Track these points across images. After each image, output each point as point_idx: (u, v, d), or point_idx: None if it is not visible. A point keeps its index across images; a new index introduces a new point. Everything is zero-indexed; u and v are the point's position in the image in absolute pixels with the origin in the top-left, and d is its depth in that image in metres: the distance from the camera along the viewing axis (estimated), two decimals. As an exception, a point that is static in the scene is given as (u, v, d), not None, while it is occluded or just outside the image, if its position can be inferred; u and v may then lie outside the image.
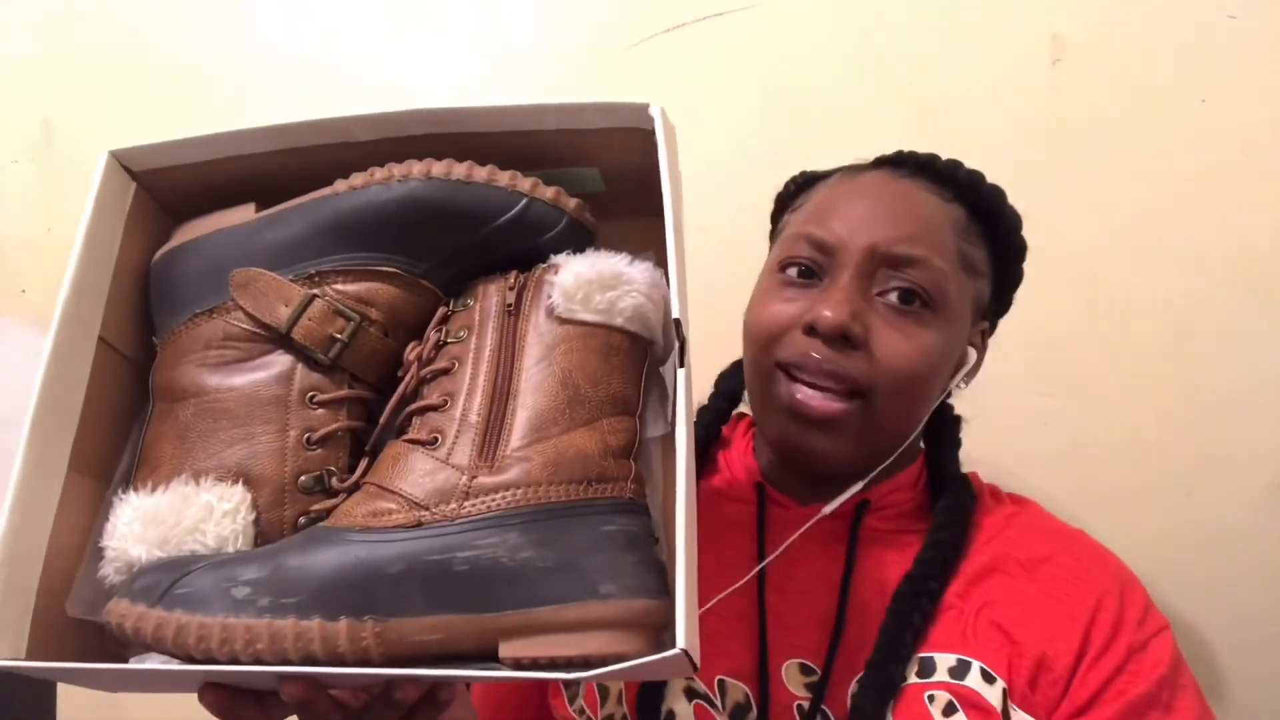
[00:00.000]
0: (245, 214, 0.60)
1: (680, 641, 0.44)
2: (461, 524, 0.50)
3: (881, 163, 0.77)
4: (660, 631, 0.51)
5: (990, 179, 0.74)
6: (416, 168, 0.57)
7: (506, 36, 1.19)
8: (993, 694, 0.63)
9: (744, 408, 0.86)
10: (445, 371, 0.56)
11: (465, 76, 1.20)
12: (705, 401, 0.86)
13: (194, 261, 0.59)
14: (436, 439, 0.53)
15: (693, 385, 0.52)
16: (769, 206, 0.84)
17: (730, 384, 0.85)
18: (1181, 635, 0.69)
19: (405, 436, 0.54)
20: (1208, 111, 1.03)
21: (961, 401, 0.77)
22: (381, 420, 0.57)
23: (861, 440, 0.69)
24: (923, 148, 0.76)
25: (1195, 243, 1.02)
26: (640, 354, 0.58)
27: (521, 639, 0.49)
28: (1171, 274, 1.02)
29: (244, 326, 0.56)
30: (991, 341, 0.74)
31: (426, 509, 0.51)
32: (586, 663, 0.49)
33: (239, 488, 0.53)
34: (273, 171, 0.60)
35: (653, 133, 0.58)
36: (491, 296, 0.58)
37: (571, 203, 0.59)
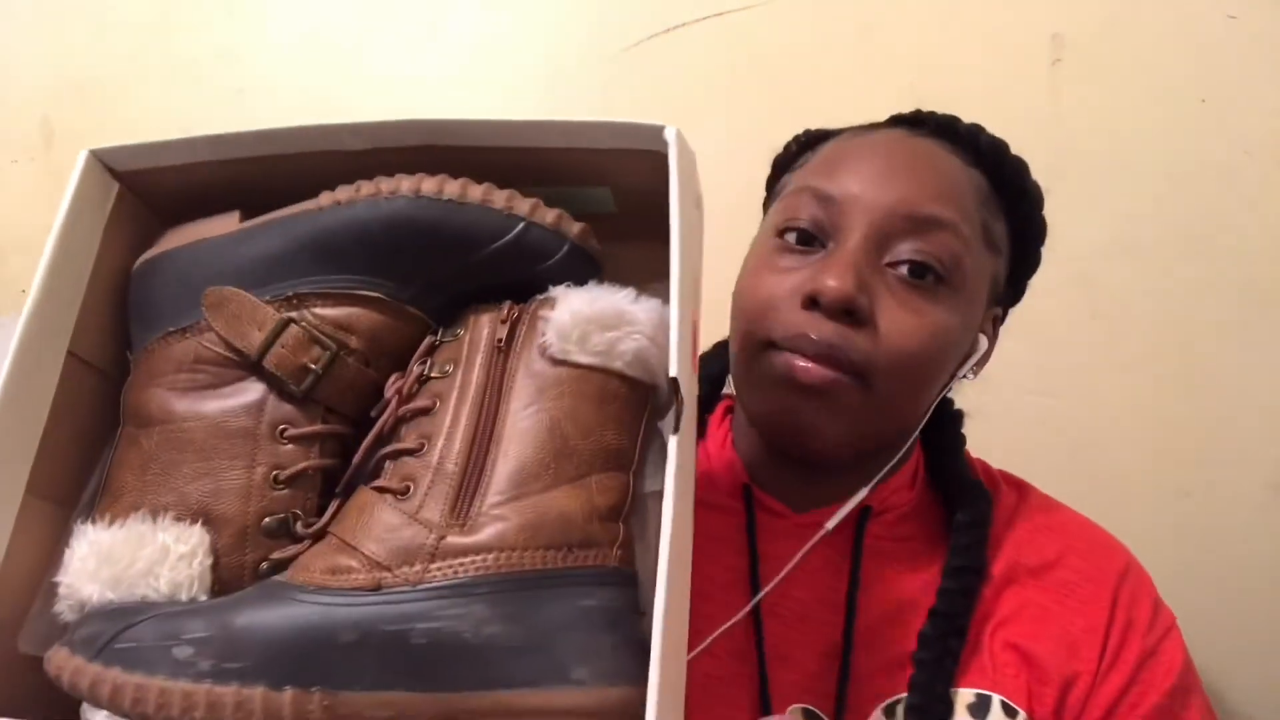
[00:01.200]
0: (229, 223, 0.56)
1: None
2: (424, 590, 0.45)
3: (898, 121, 0.70)
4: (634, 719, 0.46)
5: None
6: (405, 184, 0.52)
7: (506, 36, 1.18)
8: None
9: (726, 389, 0.79)
10: (425, 411, 0.51)
11: (464, 77, 1.18)
12: None
13: (170, 273, 0.55)
14: (408, 488, 0.49)
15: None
16: None
17: (714, 367, 0.76)
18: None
19: (375, 483, 0.50)
20: (1208, 111, 1.04)
21: (960, 400, 0.72)
22: (355, 460, 0.52)
23: (858, 422, 0.61)
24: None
25: (1195, 243, 1.03)
26: (640, 402, 0.52)
27: (480, 724, 0.44)
28: (1171, 274, 1.03)
29: (216, 349, 0.52)
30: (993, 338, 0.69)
31: (388, 570, 0.46)
32: (552, 755, 0.44)
33: (198, 528, 0.49)
34: (260, 178, 0.56)
35: (666, 155, 0.52)
36: (483, 328, 0.53)
37: (575, 228, 0.53)
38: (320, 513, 0.52)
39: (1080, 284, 1.04)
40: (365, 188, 0.52)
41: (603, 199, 0.57)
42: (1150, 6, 1.06)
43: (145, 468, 0.51)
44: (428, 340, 0.54)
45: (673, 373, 0.45)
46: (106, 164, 0.57)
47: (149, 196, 0.59)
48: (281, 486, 0.51)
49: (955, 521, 0.65)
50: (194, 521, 0.50)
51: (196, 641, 0.44)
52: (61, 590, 0.50)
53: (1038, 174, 0.68)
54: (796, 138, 0.75)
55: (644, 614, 0.49)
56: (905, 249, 0.61)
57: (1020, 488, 0.71)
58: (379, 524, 0.48)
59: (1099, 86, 1.07)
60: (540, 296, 0.53)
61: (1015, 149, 0.67)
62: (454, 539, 0.46)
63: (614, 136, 0.52)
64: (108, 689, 0.44)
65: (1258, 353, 1.00)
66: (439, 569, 0.46)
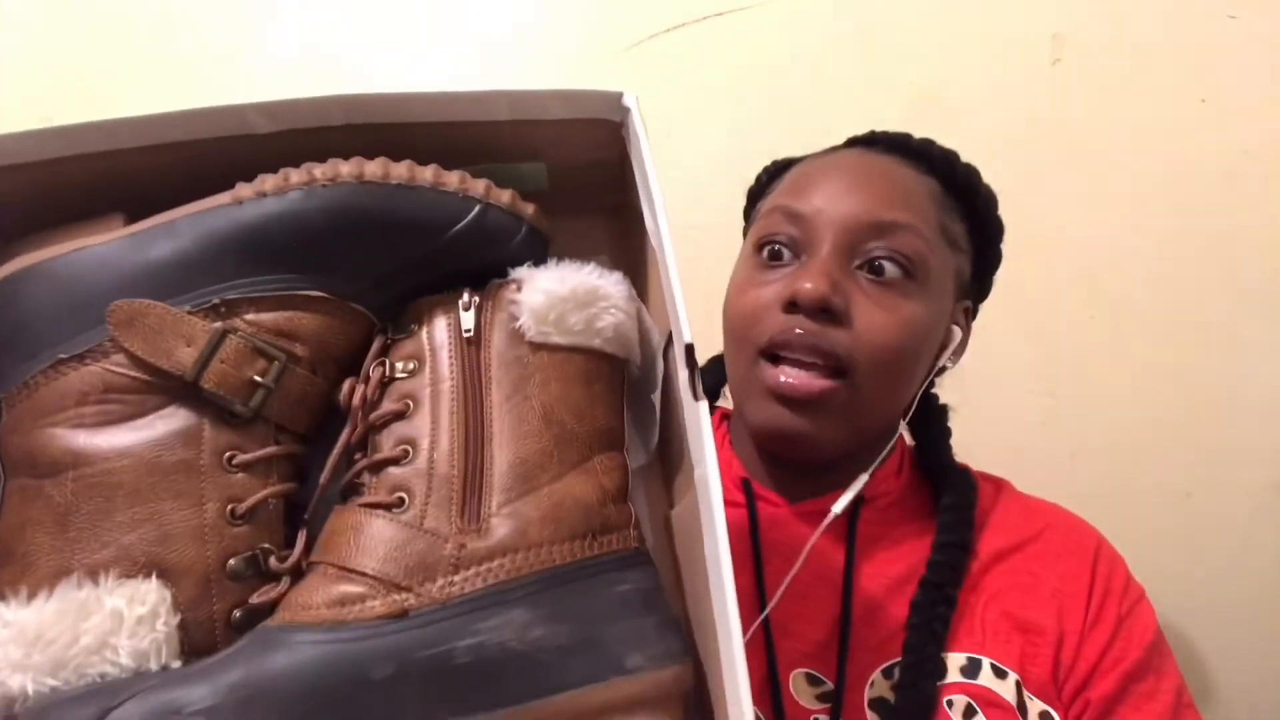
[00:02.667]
0: (110, 227, 0.47)
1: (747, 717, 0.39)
2: (456, 605, 0.42)
3: (854, 142, 0.75)
4: (686, 696, 0.45)
5: (991, 179, 0.73)
6: (345, 169, 0.46)
7: (506, 40, 1.14)
8: (1006, 689, 0.63)
9: (721, 402, 0.82)
10: (399, 415, 0.47)
11: (463, 77, 1.15)
12: None
13: (48, 290, 0.45)
14: (402, 499, 0.45)
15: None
16: None
17: (708, 380, 0.80)
18: (1181, 635, 0.72)
19: (361, 500, 0.45)
20: (1208, 111, 1.05)
21: (961, 401, 0.76)
22: (322, 480, 0.47)
23: (848, 421, 0.66)
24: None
25: (1195, 243, 1.03)
26: (619, 377, 0.51)
27: (540, 735, 0.42)
28: (1171, 274, 1.04)
29: (130, 374, 0.44)
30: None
31: (409, 591, 0.42)
32: (616, 749, 0.42)
33: (153, 583, 0.42)
34: (142, 173, 0.48)
35: (618, 124, 0.50)
36: (440, 319, 0.49)
37: (529, 208, 0.50)
38: (289, 544, 0.46)
39: (1080, 284, 1.05)
40: (295, 175, 0.46)
41: (536, 175, 0.55)
42: (1150, 6, 1.06)
43: (63, 524, 0.43)
44: (379, 340, 0.49)
45: (688, 339, 0.44)
46: None
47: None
48: (240, 522, 0.45)
49: (942, 503, 0.71)
50: (146, 576, 0.42)
51: (205, 712, 0.38)
52: (-27, 691, 0.40)
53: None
54: (766, 169, 0.80)
55: (665, 590, 0.48)
56: (872, 252, 0.66)
57: (997, 483, 0.77)
58: (382, 542, 0.43)
59: (1099, 86, 1.07)
60: (500, 280, 0.50)
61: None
62: (475, 544, 0.43)
63: (567, 106, 0.49)
64: (103, 789, 0.37)
65: (1258, 353, 1.01)
66: (466, 579, 0.43)
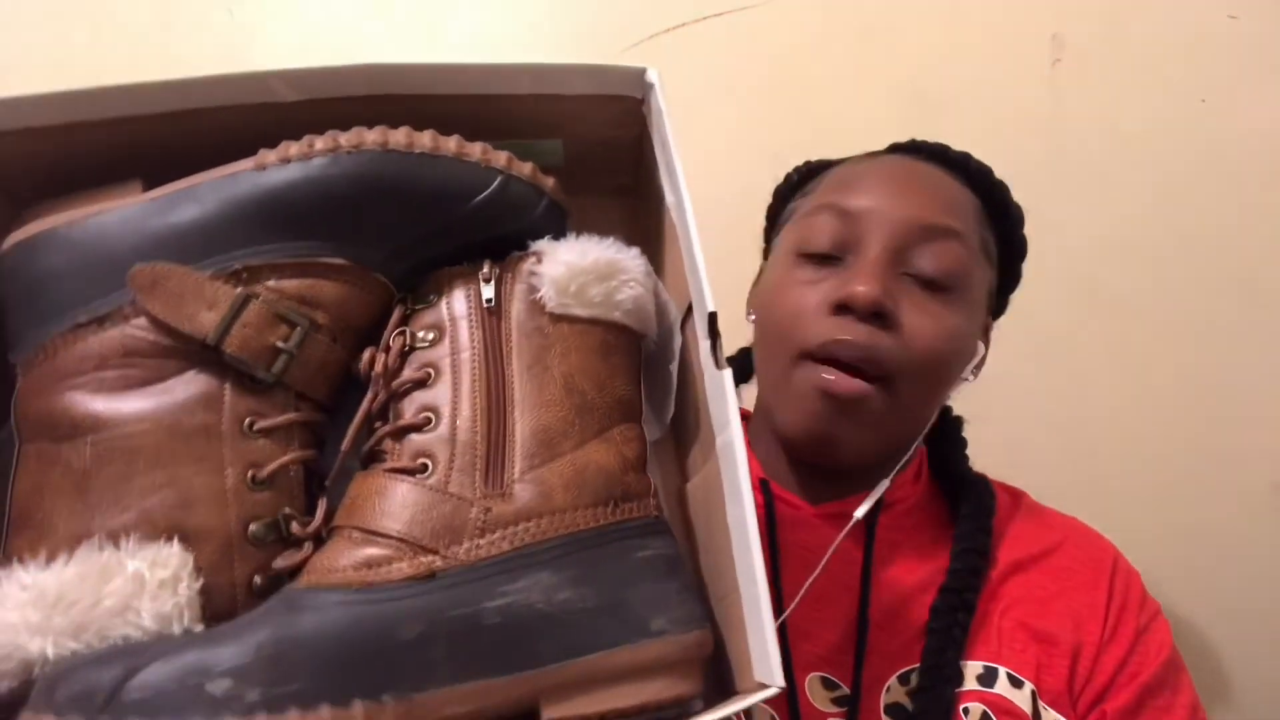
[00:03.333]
0: (129, 193, 0.47)
1: (776, 678, 0.39)
2: (484, 567, 0.42)
3: (896, 149, 0.74)
4: (706, 662, 0.45)
5: None
6: (370, 137, 0.47)
7: (505, 38, 1.13)
8: (1022, 698, 0.63)
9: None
10: (420, 383, 0.47)
11: None
12: None
13: (68, 253, 0.45)
14: (425, 465, 0.44)
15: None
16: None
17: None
18: (1182, 635, 0.72)
19: (385, 466, 0.45)
20: (1208, 111, 1.05)
21: (962, 401, 0.75)
22: (343, 447, 0.47)
23: (884, 427, 0.65)
24: (923, 149, 0.75)
25: (1195, 243, 1.03)
26: (636, 350, 0.51)
27: (568, 696, 0.41)
28: (1171, 274, 1.03)
29: (150, 338, 0.44)
30: (991, 341, 0.73)
31: (436, 553, 0.42)
32: (641, 712, 0.42)
33: (175, 547, 0.41)
34: (164, 141, 0.48)
35: (639, 101, 0.51)
36: (459, 290, 0.49)
37: (549, 181, 0.51)
38: (310, 511, 0.46)
39: (1080, 284, 1.04)
40: (319, 142, 0.46)
41: (552, 152, 0.55)
42: (1150, 6, 1.06)
43: (82, 488, 0.42)
44: (399, 310, 0.49)
45: (710, 308, 0.45)
46: None
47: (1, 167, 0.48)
48: (261, 487, 0.44)
49: (961, 511, 0.71)
50: (168, 540, 0.42)
51: (233, 673, 0.38)
52: (-9, 654, 0.39)
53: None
54: (797, 168, 0.77)
55: (684, 559, 0.48)
56: (921, 258, 0.65)
57: (1014, 494, 0.77)
58: (407, 506, 0.43)
59: (1099, 86, 1.06)
60: (520, 253, 0.50)
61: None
62: (500, 508, 0.43)
63: (590, 80, 0.50)
64: (129, 748, 0.36)
65: (1258, 353, 1.00)
66: (491, 542, 0.42)
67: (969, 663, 0.64)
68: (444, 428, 0.45)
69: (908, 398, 0.65)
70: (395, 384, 0.47)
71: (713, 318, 0.45)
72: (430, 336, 0.48)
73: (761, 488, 0.72)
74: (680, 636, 0.43)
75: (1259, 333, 1.02)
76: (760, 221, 0.81)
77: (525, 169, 0.49)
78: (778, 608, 0.67)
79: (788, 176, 0.78)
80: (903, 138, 0.75)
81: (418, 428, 0.45)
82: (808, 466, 0.72)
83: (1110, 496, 0.94)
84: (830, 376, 0.63)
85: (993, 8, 1.10)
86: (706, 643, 0.45)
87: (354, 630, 0.39)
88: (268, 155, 0.46)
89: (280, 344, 0.45)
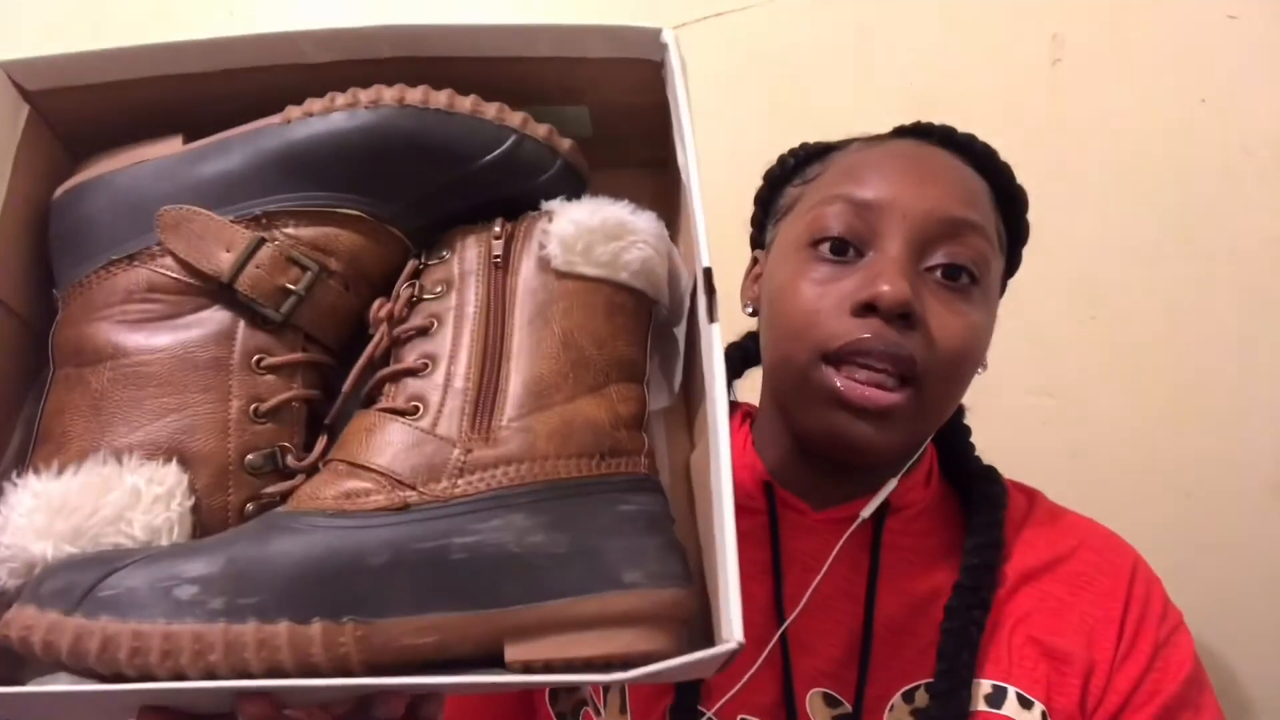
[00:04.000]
0: (171, 147, 0.50)
1: (735, 633, 0.38)
2: (457, 505, 0.42)
3: (903, 132, 0.71)
4: (685, 625, 0.44)
5: None
6: (388, 93, 0.48)
7: None
8: (1031, 719, 0.59)
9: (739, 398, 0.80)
10: (423, 331, 0.48)
11: None
12: None
13: (107, 199, 0.49)
14: (417, 408, 0.45)
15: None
16: None
17: (728, 370, 0.77)
18: None
19: (378, 405, 0.46)
20: (1208, 111, 1.03)
21: (963, 400, 0.72)
22: (345, 388, 0.48)
23: (910, 431, 0.62)
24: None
25: (1195, 243, 1.02)
26: (645, 314, 0.51)
27: (531, 639, 0.41)
28: (1171, 274, 1.03)
29: (173, 276, 0.47)
30: (992, 340, 0.70)
31: (413, 488, 0.42)
32: (607, 664, 0.42)
33: (172, 467, 0.44)
34: (203, 97, 0.51)
35: (659, 64, 0.51)
36: (471, 248, 0.50)
37: (565, 143, 0.51)
38: (308, 448, 0.47)
39: (1080, 284, 1.03)
40: (340, 99, 0.49)
41: (580, 120, 0.56)
42: (1150, 6, 1.05)
43: (97, 408, 0.45)
44: (411, 263, 0.50)
45: (705, 263, 0.44)
46: (16, 81, 0.50)
47: (59, 123, 0.52)
48: (263, 420, 0.46)
49: (973, 502, 0.67)
50: (167, 461, 0.44)
51: (201, 580, 0.39)
52: (0, 552, 0.42)
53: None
54: (793, 151, 0.74)
55: (674, 521, 0.47)
56: (943, 253, 0.62)
57: (1030, 494, 0.73)
58: (393, 443, 0.44)
59: (1099, 86, 1.05)
60: (533, 212, 0.51)
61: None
62: (481, 451, 0.43)
63: (608, 42, 0.50)
64: (96, 641, 0.38)
65: (1258, 353, 0.99)
66: (469, 482, 0.43)
67: (978, 681, 0.60)
68: (439, 375, 0.46)
69: (935, 397, 0.62)
70: (398, 330, 0.48)
71: (708, 274, 0.44)
72: (439, 289, 0.49)
73: (765, 492, 0.69)
74: (654, 592, 0.42)
75: (1259, 333, 1.01)
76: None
77: (540, 130, 0.50)
78: (778, 619, 0.64)
79: (781, 160, 0.74)
80: (902, 137, 0.73)
81: (415, 372, 0.46)
82: (814, 467, 0.68)
83: (1109, 497, 0.90)
84: (854, 387, 0.60)
85: (993, 8, 1.09)
86: (684, 603, 0.43)
87: (323, 552, 0.40)
88: (293, 110, 0.49)
89: (290, 285, 0.47)
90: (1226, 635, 0.96)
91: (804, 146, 0.73)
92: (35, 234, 0.51)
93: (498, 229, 0.50)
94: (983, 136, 0.68)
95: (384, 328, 0.48)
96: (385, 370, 0.47)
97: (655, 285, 0.51)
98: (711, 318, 0.44)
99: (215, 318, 0.47)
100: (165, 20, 1.19)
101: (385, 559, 0.40)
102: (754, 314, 0.73)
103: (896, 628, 0.63)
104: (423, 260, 0.51)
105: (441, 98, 0.49)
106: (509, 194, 0.50)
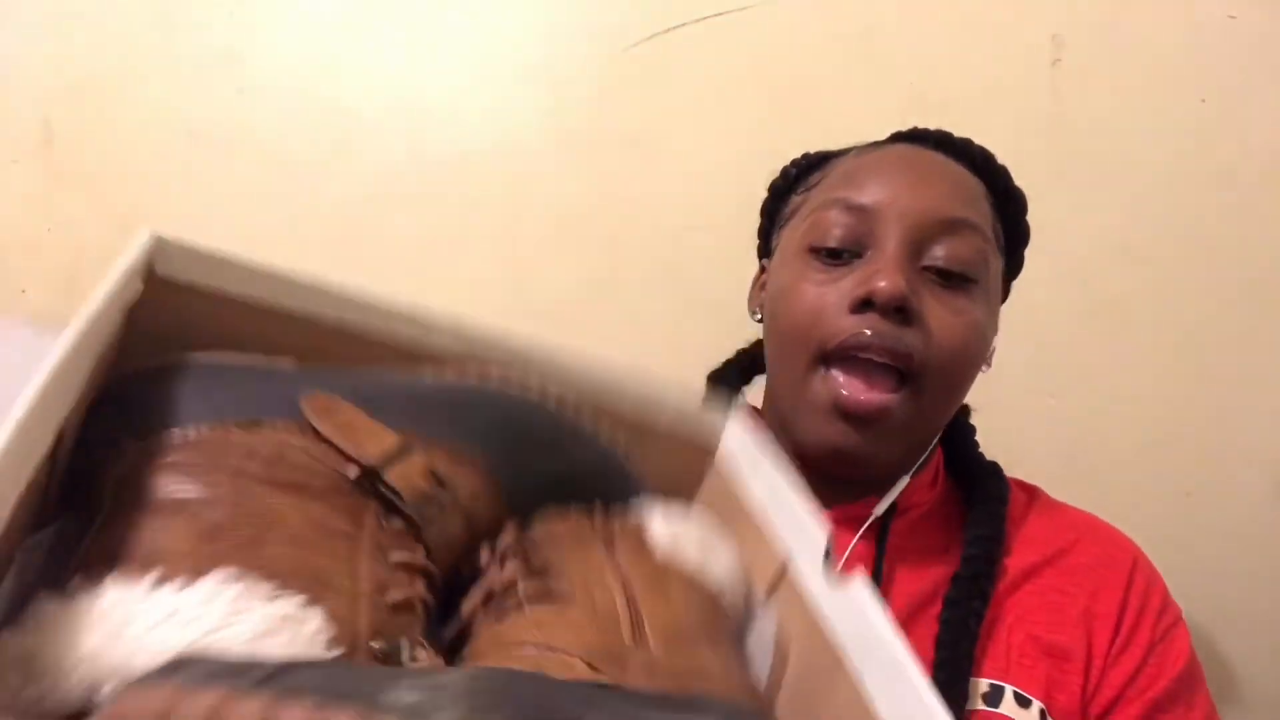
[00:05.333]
0: (287, 363, 0.48)
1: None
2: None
3: (899, 138, 0.74)
4: None
5: None
6: (533, 381, 0.51)
7: (506, 36, 1.13)
8: (1029, 717, 0.56)
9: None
10: (542, 574, 0.44)
11: (465, 77, 1.13)
12: None
13: (227, 378, 0.45)
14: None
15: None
16: None
17: (724, 385, 0.73)
18: None
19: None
20: (1208, 111, 1.04)
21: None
22: (465, 610, 0.43)
23: (907, 435, 0.61)
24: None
25: (1195, 243, 1.03)
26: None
27: None
28: (1171, 274, 1.02)
29: (306, 451, 0.42)
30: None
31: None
32: None
33: (318, 610, 0.34)
34: (306, 344, 0.49)
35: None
36: (566, 525, 0.49)
37: (643, 474, 0.55)
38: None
39: (1080, 284, 1.01)
40: (495, 369, 0.50)
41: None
42: (1150, 6, 1.06)
43: (211, 536, 0.36)
44: (512, 524, 0.48)
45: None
46: (151, 261, 0.46)
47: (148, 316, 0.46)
48: (391, 609, 0.37)
49: (974, 498, 0.64)
50: (309, 603, 0.33)
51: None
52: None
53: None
54: (795, 162, 0.76)
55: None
56: (940, 251, 0.64)
57: (1030, 490, 0.70)
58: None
59: (1099, 86, 1.05)
60: (632, 511, 0.52)
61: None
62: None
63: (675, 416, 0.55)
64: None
65: (1258, 352, 1.00)
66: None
67: (975, 680, 0.58)
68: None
69: (932, 397, 0.62)
70: (520, 571, 0.43)
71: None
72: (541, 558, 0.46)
73: None
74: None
75: (1259, 332, 1.01)
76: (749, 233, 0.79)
77: (632, 456, 0.54)
78: None
79: (784, 171, 0.76)
80: (904, 136, 0.76)
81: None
82: (814, 473, 0.61)
83: (1110, 496, 0.86)
84: (850, 389, 0.60)
85: (993, 8, 1.10)
86: None
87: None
88: (428, 373, 0.49)
89: (432, 491, 0.44)
90: (1226, 635, 0.93)
91: (805, 156, 0.76)
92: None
93: (595, 514, 0.50)
94: (983, 136, 0.71)
95: (509, 559, 0.44)
96: (528, 587, 0.41)
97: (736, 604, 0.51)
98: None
99: (345, 502, 0.41)
100: (165, 21, 1.13)
101: None
102: (761, 321, 0.72)
103: (905, 623, 0.58)
104: (521, 528, 0.48)
105: (569, 399, 0.52)
106: (595, 497, 0.51)
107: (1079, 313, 1.05)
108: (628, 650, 0.40)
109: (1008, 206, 0.72)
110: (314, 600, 0.35)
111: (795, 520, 0.50)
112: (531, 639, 0.39)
